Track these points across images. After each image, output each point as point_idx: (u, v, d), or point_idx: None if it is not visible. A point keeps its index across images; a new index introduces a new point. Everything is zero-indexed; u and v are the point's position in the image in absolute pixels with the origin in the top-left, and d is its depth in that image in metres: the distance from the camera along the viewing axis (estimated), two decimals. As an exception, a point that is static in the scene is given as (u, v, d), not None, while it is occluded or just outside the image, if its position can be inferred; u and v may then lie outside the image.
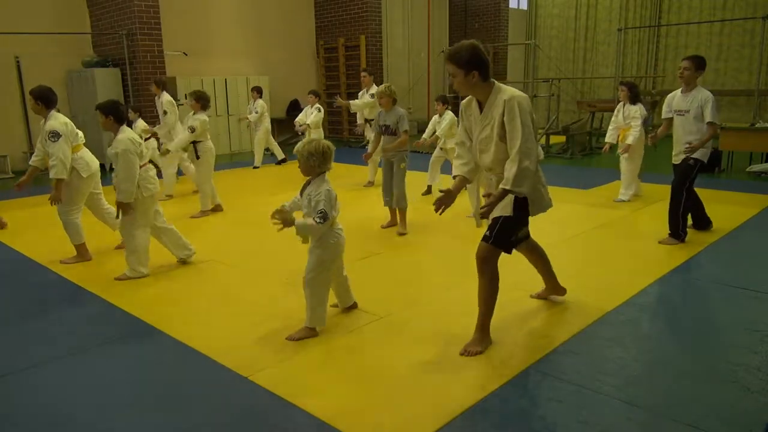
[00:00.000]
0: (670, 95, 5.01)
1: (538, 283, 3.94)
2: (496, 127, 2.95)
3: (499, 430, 2.41)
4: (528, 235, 3.46)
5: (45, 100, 4.59)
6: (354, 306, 3.67)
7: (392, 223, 5.64)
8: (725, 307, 3.67)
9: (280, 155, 10.05)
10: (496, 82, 2.99)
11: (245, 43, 12.54)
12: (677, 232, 4.88)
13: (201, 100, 6.23)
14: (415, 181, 7.21)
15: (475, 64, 2.88)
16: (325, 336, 3.30)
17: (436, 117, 7.08)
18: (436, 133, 6.96)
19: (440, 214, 3.06)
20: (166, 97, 7.37)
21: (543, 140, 11.00)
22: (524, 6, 18.07)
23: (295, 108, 13.06)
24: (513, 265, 4.42)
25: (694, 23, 14.20)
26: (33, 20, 9.63)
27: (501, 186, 2.94)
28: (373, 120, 6.95)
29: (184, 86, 11.01)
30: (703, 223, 5.21)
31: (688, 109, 4.75)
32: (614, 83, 13.73)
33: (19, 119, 9.70)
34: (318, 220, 3.08)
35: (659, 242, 4.91)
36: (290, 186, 7.95)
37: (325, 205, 3.11)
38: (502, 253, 3.10)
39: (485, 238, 3.06)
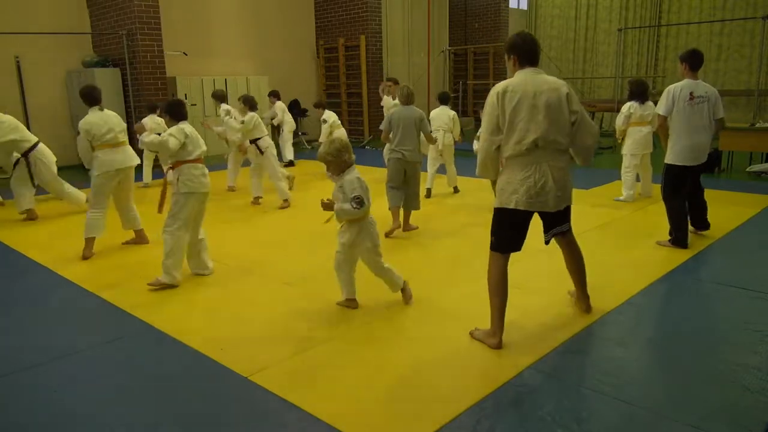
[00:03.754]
0: (677, 86, 4.68)
1: (537, 283, 3.95)
2: None
3: (499, 430, 2.41)
4: (563, 231, 3.35)
5: (85, 98, 4.92)
6: (405, 292, 3.77)
7: (403, 226, 5.52)
8: (725, 307, 3.67)
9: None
10: (529, 69, 3.01)
11: (245, 43, 12.54)
12: (672, 235, 4.86)
13: (247, 102, 6.82)
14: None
15: (510, 49, 3.08)
16: (325, 335, 3.30)
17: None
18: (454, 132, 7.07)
19: None
20: (224, 106, 7.77)
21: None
22: (524, 6, 18.08)
23: (294, 108, 13.07)
24: (511, 265, 4.42)
25: (694, 23, 14.20)
26: (33, 20, 9.63)
27: None
28: None
29: (184, 86, 11.01)
30: (700, 224, 5.13)
31: (707, 94, 4.61)
32: (614, 83, 13.74)
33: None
34: (355, 206, 3.37)
35: (657, 242, 4.92)
36: (299, 185, 7.94)
37: (362, 192, 3.41)
38: (504, 252, 3.18)
39: None
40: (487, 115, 3.02)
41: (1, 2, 9.32)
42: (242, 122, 6.70)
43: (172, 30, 10.63)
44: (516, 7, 17.96)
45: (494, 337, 3.12)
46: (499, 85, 3.00)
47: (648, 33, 15.26)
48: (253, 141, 6.80)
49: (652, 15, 15.10)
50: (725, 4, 13.94)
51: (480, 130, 3.18)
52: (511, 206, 3.01)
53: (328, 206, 3.44)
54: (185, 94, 10.78)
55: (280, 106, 9.67)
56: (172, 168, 4.15)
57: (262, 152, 6.74)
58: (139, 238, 5.28)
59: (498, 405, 2.58)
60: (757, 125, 8.57)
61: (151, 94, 9.72)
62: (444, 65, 14.01)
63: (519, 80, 2.98)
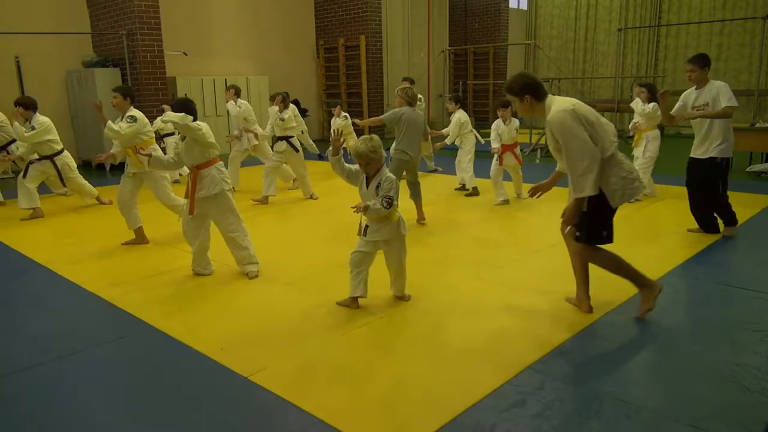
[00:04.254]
0: (686, 93, 5.08)
1: (537, 283, 3.95)
2: (551, 141, 3.25)
3: (499, 430, 2.41)
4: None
5: (128, 94, 5.14)
6: (403, 298, 3.78)
7: (418, 218, 5.74)
8: (725, 307, 3.67)
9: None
10: (550, 96, 3.22)
11: (245, 43, 12.54)
12: (732, 220, 5.05)
13: (284, 101, 7.12)
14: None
15: (525, 89, 3.21)
16: (325, 335, 3.31)
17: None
18: (445, 133, 7.34)
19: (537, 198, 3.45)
20: (240, 101, 7.80)
21: (544, 140, 10.98)
22: (524, 6, 18.08)
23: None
24: (511, 265, 4.42)
25: (694, 23, 14.20)
26: (33, 20, 9.63)
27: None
28: None
29: (184, 86, 11.02)
30: (712, 226, 5.19)
31: (707, 103, 4.85)
32: (614, 83, 13.74)
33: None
34: (385, 205, 3.40)
35: (723, 233, 5.07)
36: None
37: (395, 193, 3.45)
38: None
39: (577, 239, 3.32)
40: (577, 133, 3.06)
41: (1, 2, 9.32)
42: (282, 120, 6.93)
43: (172, 30, 10.63)
44: (516, 7, 17.96)
45: (652, 292, 3.38)
46: (566, 108, 3.09)
47: (648, 33, 15.26)
48: (285, 138, 6.96)
49: (652, 15, 15.10)
50: (725, 4, 13.94)
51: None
52: (638, 195, 3.27)
53: (364, 209, 3.41)
54: (185, 94, 10.77)
55: (292, 108, 9.73)
56: (199, 168, 4.14)
57: (297, 150, 7.01)
58: (139, 238, 5.29)
59: (498, 405, 2.58)
60: (757, 125, 8.57)
61: (151, 94, 9.72)
62: (444, 65, 14.00)
63: (564, 99, 3.20)
